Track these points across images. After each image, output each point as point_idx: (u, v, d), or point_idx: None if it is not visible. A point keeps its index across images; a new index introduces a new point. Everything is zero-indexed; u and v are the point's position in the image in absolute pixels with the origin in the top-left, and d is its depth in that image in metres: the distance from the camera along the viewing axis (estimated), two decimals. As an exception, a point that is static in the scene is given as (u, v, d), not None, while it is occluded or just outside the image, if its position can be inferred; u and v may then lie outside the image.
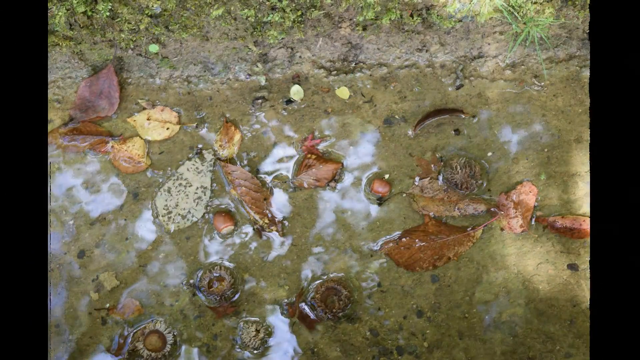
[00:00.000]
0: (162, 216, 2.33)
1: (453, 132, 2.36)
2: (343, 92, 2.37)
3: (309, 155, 2.34)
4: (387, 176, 2.35)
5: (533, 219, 2.32)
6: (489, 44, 2.34)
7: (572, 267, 2.30)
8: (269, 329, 2.30)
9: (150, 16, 2.21)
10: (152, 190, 2.35)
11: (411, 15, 2.24)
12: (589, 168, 2.33)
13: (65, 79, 2.37)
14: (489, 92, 2.37)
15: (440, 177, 2.33)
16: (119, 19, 2.20)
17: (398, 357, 2.28)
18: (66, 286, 2.31)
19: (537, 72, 2.37)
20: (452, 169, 2.31)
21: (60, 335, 2.29)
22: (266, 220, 2.32)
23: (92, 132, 2.36)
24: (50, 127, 2.36)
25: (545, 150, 2.35)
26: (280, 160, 2.37)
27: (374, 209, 2.34)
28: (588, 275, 2.29)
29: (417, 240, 2.30)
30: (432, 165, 2.34)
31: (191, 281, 2.31)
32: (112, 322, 2.30)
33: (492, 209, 2.31)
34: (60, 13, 2.16)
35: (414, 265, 2.30)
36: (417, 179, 2.34)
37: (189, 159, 2.36)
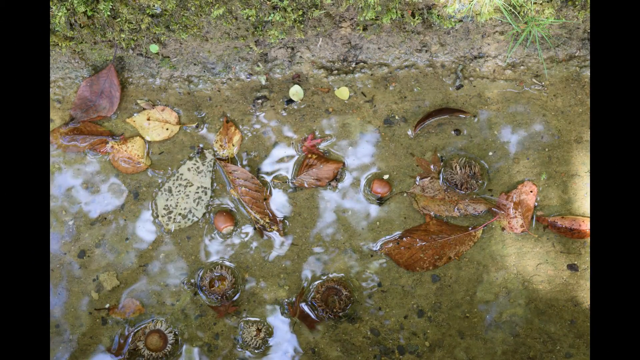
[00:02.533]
0: (162, 216, 2.33)
1: (453, 132, 2.36)
2: (343, 92, 2.37)
3: (310, 155, 2.34)
4: (386, 176, 2.35)
5: (533, 219, 2.32)
6: (489, 44, 2.34)
7: (572, 267, 2.30)
8: (270, 329, 2.30)
9: (151, 16, 2.21)
10: (152, 190, 2.35)
11: (412, 15, 2.24)
12: (589, 168, 2.33)
13: (66, 78, 2.37)
14: (489, 92, 2.37)
15: (441, 177, 2.33)
16: (120, 18, 2.20)
17: (399, 357, 2.28)
18: (66, 286, 2.31)
19: (537, 72, 2.37)
20: (451, 169, 2.31)
21: (61, 335, 2.29)
22: (267, 220, 2.32)
23: (93, 132, 2.36)
24: (50, 126, 2.36)
25: (547, 149, 2.35)
26: (281, 160, 2.37)
27: (374, 209, 2.34)
28: (588, 275, 2.29)
29: (418, 239, 2.29)
30: (432, 166, 2.34)
31: (192, 281, 2.31)
32: (113, 322, 2.30)
33: (492, 209, 2.31)
34: (60, 13, 2.16)
35: (414, 265, 2.30)
36: (418, 178, 2.34)
37: (190, 158, 2.36)
